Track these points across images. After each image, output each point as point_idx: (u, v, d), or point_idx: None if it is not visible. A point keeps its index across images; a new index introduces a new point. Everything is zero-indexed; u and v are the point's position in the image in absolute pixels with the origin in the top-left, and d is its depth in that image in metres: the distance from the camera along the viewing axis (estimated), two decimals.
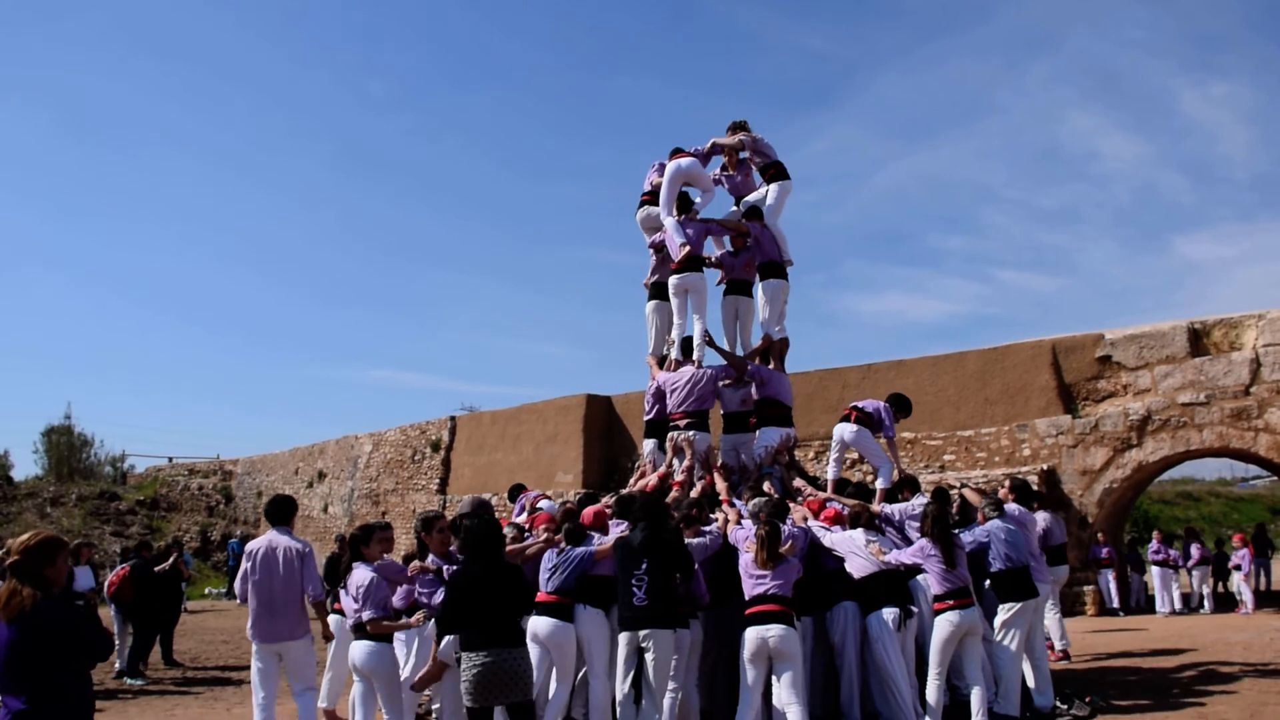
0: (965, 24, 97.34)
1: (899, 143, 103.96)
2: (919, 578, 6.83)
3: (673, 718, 5.88)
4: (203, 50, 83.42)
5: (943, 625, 6.42)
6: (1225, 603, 14.91)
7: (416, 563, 6.36)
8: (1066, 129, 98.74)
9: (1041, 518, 9.20)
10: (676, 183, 8.93)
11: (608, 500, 7.90)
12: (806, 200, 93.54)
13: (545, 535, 6.78)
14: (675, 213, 8.89)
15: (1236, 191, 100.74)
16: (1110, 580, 13.86)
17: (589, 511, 6.95)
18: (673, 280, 8.83)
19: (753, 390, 8.66)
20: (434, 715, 6.83)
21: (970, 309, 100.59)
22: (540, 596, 6.23)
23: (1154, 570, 14.65)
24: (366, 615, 5.87)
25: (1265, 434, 12.34)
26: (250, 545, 6.47)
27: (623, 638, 5.99)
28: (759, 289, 9.19)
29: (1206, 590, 14.58)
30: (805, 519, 7.09)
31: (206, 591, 24.42)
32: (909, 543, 6.98)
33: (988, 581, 7.23)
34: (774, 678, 5.92)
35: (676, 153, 9.10)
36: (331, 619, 7.57)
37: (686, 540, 6.34)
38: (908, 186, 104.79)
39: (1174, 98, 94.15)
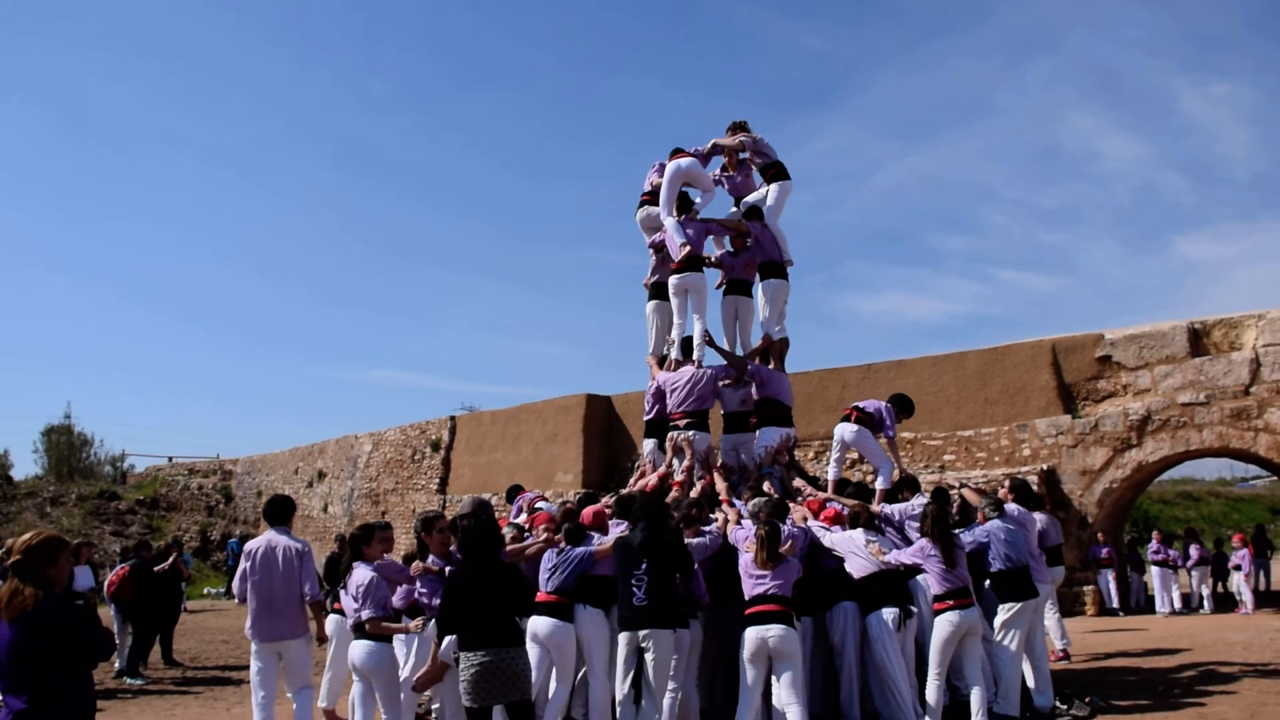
0: (965, 24, 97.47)
1: (899, 143, 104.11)
2: (919, 578, 6.83)
3: (672, 718, 5.88)
4: (203, 50, 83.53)
5: (943, 625, 6.42)
6: (1225, 603, 14.90)
7: (419, 563, 6.36)
8: (1066, 129, 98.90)
9: (1038, 518, 9.19)
10: (676, 183, 8.93)
11: (607, 500, 7.90)
12: (806, 200, 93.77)
13: (545, 535, 6.78)
14: (675, 213, 8.89)
15: (1236, 191, 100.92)
16: (1110, 580, 13.87)
17: (589, 511, 6.94)
18: (673, 280, 8.83)
19: (753, 390, 8.66)
20: (434, 715, 6.83)
21: (970, 309, 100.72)
22: (540, 596, 6.23)
23: (1154, 570, 14.66)
24: (366, 615, 5.88)
25: (1265, 434, 12.35)
26: (249, 545, 6.48)
27: (622, 638, 5.99)
28: (759, 289, 9.19)
29: (1206, 590, 14.58)
30: (805, 519, 7.10)
31: (206, 591, 24.41)
32: (909, 543, 6.98)
33: (987, 581, 7.23)
34: (774, 678, 5.92)
35: (676, 153, 9.09)
36: (332, 619, 7.58)
37: (686, 540, 6.34)
38: (908, 186, 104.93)
39: (1174, 98, 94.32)
